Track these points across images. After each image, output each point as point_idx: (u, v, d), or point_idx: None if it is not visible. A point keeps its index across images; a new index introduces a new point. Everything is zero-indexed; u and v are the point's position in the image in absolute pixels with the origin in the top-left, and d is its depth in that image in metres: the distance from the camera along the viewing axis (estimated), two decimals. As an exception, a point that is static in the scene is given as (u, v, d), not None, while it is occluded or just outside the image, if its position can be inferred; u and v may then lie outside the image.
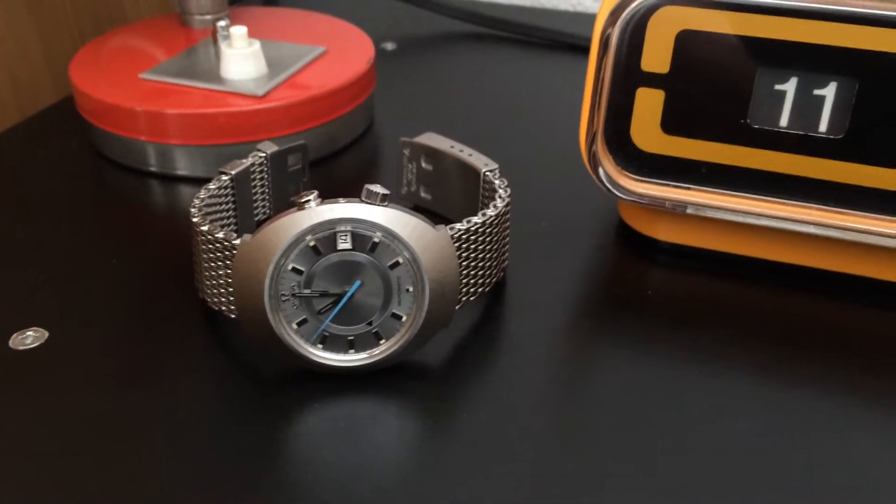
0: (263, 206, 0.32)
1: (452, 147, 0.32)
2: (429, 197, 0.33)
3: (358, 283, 0.24)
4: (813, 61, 0.26)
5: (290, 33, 0.41)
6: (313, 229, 0.23)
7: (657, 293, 0.29)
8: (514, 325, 0.28)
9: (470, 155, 0.31)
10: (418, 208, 0.34)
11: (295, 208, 0.24)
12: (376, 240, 0.24)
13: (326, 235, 0.24)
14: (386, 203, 0.24)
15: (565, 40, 0.49)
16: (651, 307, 0.29)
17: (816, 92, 0.26)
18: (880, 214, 0.27)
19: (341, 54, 0.39)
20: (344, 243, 0.24)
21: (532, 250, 0.31)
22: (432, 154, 0.32)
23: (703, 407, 0.25)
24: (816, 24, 0.25)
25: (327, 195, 0.35)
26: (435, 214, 0.33)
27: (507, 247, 0.30)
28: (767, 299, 0.29)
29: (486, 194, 0.30)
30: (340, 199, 0.24)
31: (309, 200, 0.24)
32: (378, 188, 0.24)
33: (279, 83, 0.36)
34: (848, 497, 0.22)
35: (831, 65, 0.26)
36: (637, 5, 0.26)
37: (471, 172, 0.30)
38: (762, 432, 0.24)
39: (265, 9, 0.45)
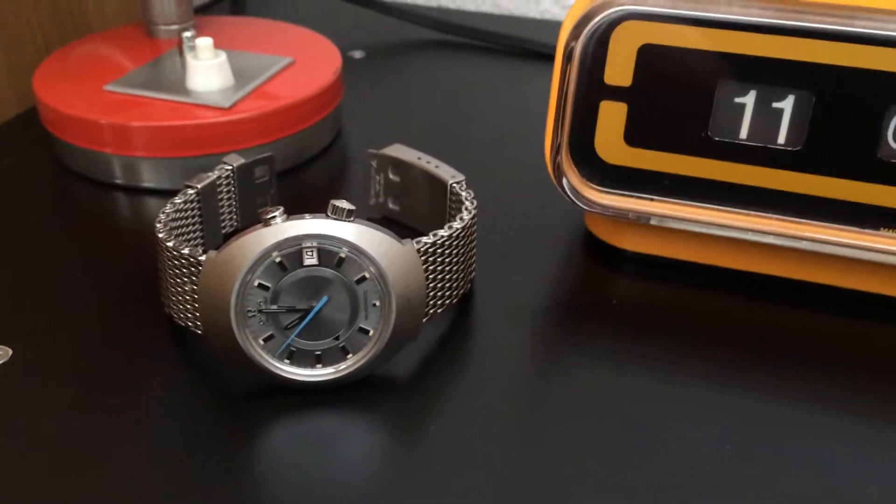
0: (230, 219, 0.32)
1: (419, 158, 0.32)
2: (397, 208, 0.33)
3: (325, 298, 0.24)
4: (771, 75, 0.26)
5: (257, 43, 0.41)
6: (279, 245, 0.24)
7: (623, 302, 0.30)
8: (482, 335, 0.28)
9: (437, 167, 0.31)
10: (387, 219, 0.34)
11: (260, 224, 0.24)
12: (342, 255, 0.24)
13: (292, 251, 0.24)
14: (352, 218, 0.24)
15: (533, 48, 0.50)
16: (617, 316, 0.29)
17: (775, 105, 0.27)
18: (838, 224, 0.27)
19: (308, 64, 0.39)
20: (310, 259, 0.24)
21: (500, 260, 0.32)
22: (399, 166, 0.32)
23: (669, 415, 0.25)
24: (774, 39, 0.26)
25: (295, 206, 0.35)
26: (403, 226, 0.33)
27: (475, 258, 0.30)
28: (731, 307, 0.29)
29: (454, 206, 0.30)
30: (306, 215, 0.24)
31: (274, 216, 0.24)
32: (344, 203, 0.24)
33: (246, 94, 0.36)
34: (806, 501, 0.23)
35: (789, 78, 0.26)
36: (600, 20, 0.27)
37: (438, 184, 0.31)
38: (726, 438, 0.24)
39: (232, 18, 0.45)
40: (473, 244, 0.29)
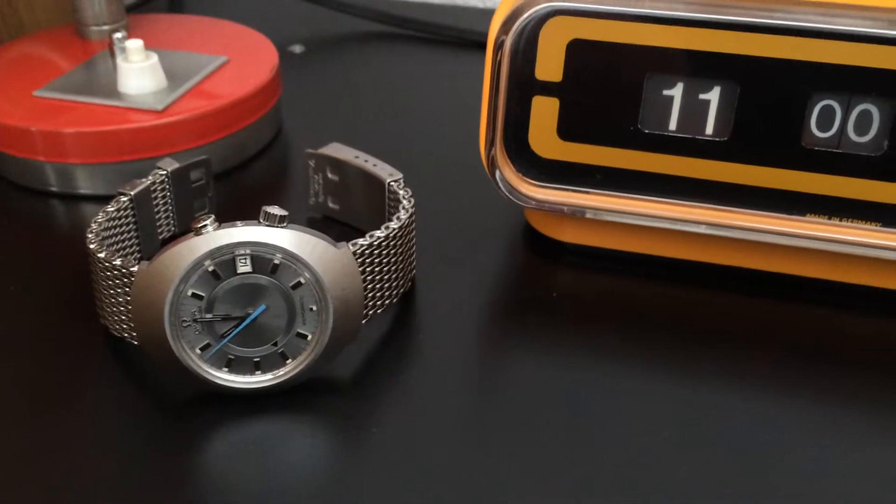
0: (168, 224, 0.31)
1: (357, 157, 0.32)
2: (337, 207, 0.33)
3: (263, 307, 0.24)
4: (697, 67, 0.27)
5: (191, 42, 0.40)
6: (212, 254, 0.23)
7: (564, 294, 0.30)
8: (424, 333, 0.29)
9: (374, 165, 0.31)
10: (328, 218, 0.34)
11: (192, 233, 0.24)
12: (276, 261, 0.24)
13: (225, 259, 0.24)
14: (285, 224, 0.24)
15: (475, 38, 0.50)
16: (558, 309, 0.29)
17: (702, 96, 0.27)
18: (766, 212, 0.28)
19: (244, 63, 0.39)
20: (244, 266, 0.24)
21: (441, 256, 0.32)
22: (337, 165, 0.32)
23: (612, 406, 0.25)
24: (699, 32, 0.26)
25: (235, 208, 0.35)
26: (344, 224, 0.33)
27: (415, 255, 0.30)
28: (671, 295, 0.30)
29: (392, 204, 0.30)
30: (238, 223, 0.24)
31: (206, 225, 0.23)
32: (276, 210, 0.24)
33: (180, 96, 0.35)
34: (753, 490, 0.23)
35: (714, 70, 0.27)
36: (528, 16, 0.27)
37: (376, 183, 0.31)
38: (669, 427, 0.25)
39: (166, 16, 0.45)
40: (413, 242, 0.29)
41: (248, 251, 0.24)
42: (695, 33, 0.26)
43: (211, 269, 0.24)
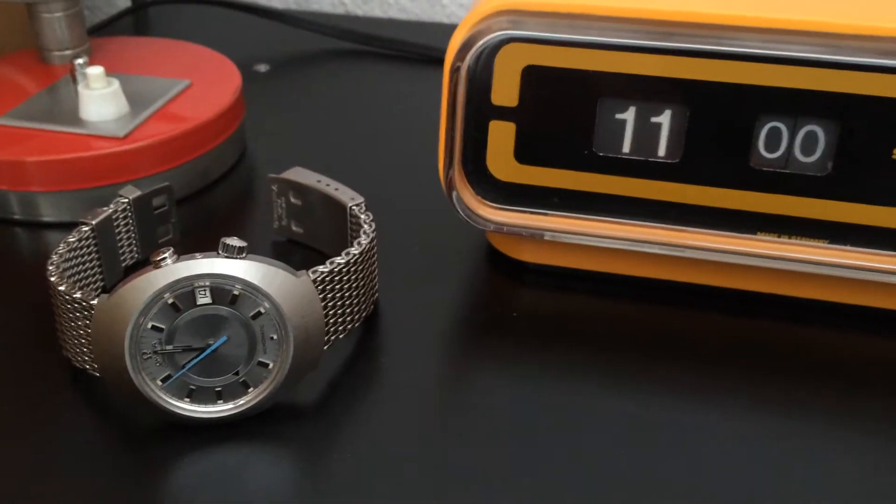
0: (131, 252, 0.32)
1: (319, 182, 0.32)
2: (301, 231, 0.34)
3: (224, 338, 0.24)
4: (648, 91, 0.27)
5: (154, 65, 0.40)
6: (171, 287, 0.24)
7: (525, 314, 0.31)
8: (387, 356, 0.29)
9: (336, 189, 0.31)
10: (292, 242, 0.34)
11: (151, 266, 0.24)
12: (236, 292, 0.24)
13: (185, 292, 0.24)
14: (244, 255, 0.24)
15: (438, 55, 0.50)
16: (519, 328, 0.30)
17: (653, 119, 0.28)
18: (718, 231, 0.28)
19: (207, 86, 0.39)
20: (203, 298, 0.24)
21: (404, 278, 0.32)
22: (300, 189, 0.32)
23: (571, 425, 0.26)
24: (648, 58, 0.27)
25: (200, 232, 0.35)
26: (309, 248, 0.33)
27: (377, 279, 0.30)
28: (629, 313, 0.30)
29: (354, 228, 0.30)
30: (197, 255, 0.24)
31: (165, 258, 0.24)
32: (235, 241, 0.24)
33: (142, 122, 0.36)
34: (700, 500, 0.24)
35: (664, 94, 0.27)
36: (483, 43, 0.27)
37: (338, 207, 0.31)
38: (626, 445, 0.25)
39: (129, 39, 0.45)
40: (374, 266, 0.30)
41: (207, 283, 0.24)
42: (645, 59, 0.27)
43: (170, 301, 0.24)
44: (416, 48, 0.51)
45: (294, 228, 0.34)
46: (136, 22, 0.57)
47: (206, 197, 0.37)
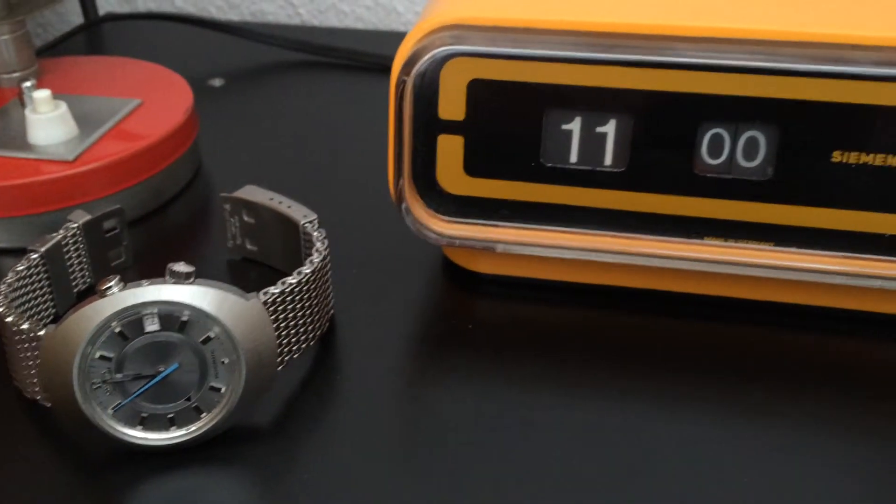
0: (83, 277, 0.31)
1: (272, 199, 0.32)
2: (256, 249, 0.33)
3: (175, 365, 0.24)
4: (592, 102, 0.28)
5: (104, 85, 0.40)
6: (118, 315, 0.23)
7: (482, 325, 0.31)
8: (344, 373, 0.29)
9: (289, 207, 0.31)
10: (247, 260, 0.34)
11: (97, 295, 0.24)
12: (185, 318, 0.24)
13: (132, 320, 0.24)
14: (191, 280, 0.24)
15: (394, 64, 0.50)
16: (476, 339, 0.30)
17: (599, 129, 0.28)
18: (666, 237, 0.29)
19: (158, 105, 0.39)
20: (152, 325, 0.24)
21: (360, 293, 0.32)
22: (252, 208, 0.32)
23: (528, 436, 0.26)
24: (591, 69, 0.27)
25: (154, 253, 0.35)
26: (264, 265, 0.33)
27: (332, 296, 0.30)
28: (586, 321, 0.31)
29: (308, 245, 0.30)
30: (144, 282, 0.24)
31: (111, 287, 0.24)
32: (182, 267, 0.24)
33: (92, 144, 0.35)
34: (649, 509, 0.24)
35: (609, 104, 0.28)
36: (427, 58, 0.27)
37: (291, 225, 0.31)
38: (588, 455, 0.25)
39: (79, 59, 0.44)
40: (328, 283, 0.30)
41: (155, 310, 0.24)
42: (588, 70, 0.27)
43: (118, 330, 0.24)
44: (372, 58, 0.51)
45: (249, 247, 0.34)
46: (89, 39, 0.56)
47: (160, 217, 0.37)
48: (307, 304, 0.27)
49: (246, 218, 0.33)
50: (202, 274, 0.33)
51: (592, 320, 0.31)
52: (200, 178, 0.40)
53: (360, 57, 0.51)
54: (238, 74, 0.51)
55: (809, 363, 0.28)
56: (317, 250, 0.29)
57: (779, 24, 0.26)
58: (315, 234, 0.29)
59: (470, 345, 0.30)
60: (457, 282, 0.33)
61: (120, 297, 0.24)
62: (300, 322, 0.27)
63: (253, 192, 0.32)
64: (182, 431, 0.25)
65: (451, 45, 0.27)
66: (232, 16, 0.62)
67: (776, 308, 0.30)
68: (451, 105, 0.28)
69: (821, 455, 0.25)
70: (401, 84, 0.28)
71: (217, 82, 0.49)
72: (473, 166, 0.29)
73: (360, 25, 0.60)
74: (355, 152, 0.42)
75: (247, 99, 0.48)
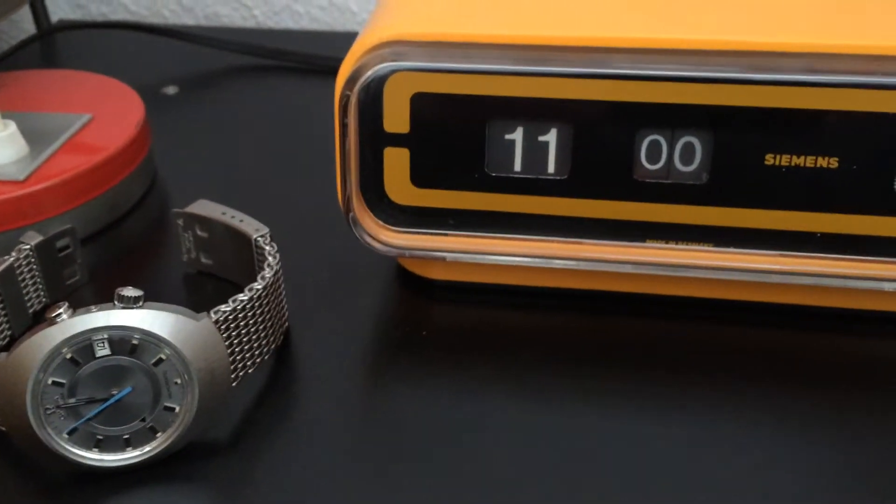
0: (38, 298, 0.31)
1: (224, 214, 0.32)
2: (211, 262, 0.34)
3: (128, 389, 0.25)
4: (533, 112, 0.28)
5: (55, 100, 0.40)
6: (68, 342, 0.24)
7: (437, 332, 0.31)
8: (299, 386, 0.29)
9: (241, 221, 0.32)
10: (203, 273, 0.34)
11: (46, 323, 0.24)
12: (135, 342, 0.24)
13: (83, 346, 0.24)
14: (140, 304, 0.24)
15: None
16: (432, 347, 0.31)
17: (541, 138, 0.29)
18: (610, 241, 0.30)
19: (109, 118, 0.39)
20: (102, 350, 0.24)
21: (315, 303, 0.33)
22: (205, 223, 0.33)
23: (486, 439, 0.27)
24: (531, 80, 0.28)
25: (110, 269, 0.35)
26: (220, 279, 0.34)
27: (286, 309, 0.31)
28: (539, 324, 0.31)
29: (260, 259, 0.31)
30: (93, 307, 0.24)
31: (60, 313, 0.24)
32: (130, 291, 0.24)
33: (42, 162, 0.35)
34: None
35: (549, 114, 0.28)
36: (369, 74, 0.28)
37: (243, 238, 0.31)
38: (546, 457, 0.26)
39: (29, 73, 0.44)
40: (282, 297, 0.30)
41: (105, 335, 0.24)
42: (527, 82, 0.28)
43: (69, 356, 0.24)
44: (326, 61, 0.51)
45: (204, 260, 0.34)
46: (42, 49, 0.56)
47: (115, 232, 0.37)
48: (260, 320, 0.28)
49: (199, 232, 0.33)
50: (158, 288, 0.34)
51: (546, 323, 0.31)
52: (155, 190, 0.40)
53: (314, 60, 0.51)
54: (192, 81, 0.51)
55: (760, 359, 0.29)
56: (268, 265, 0.29)
57: (709, 34, 0.27)
58: (267, 248, 0.30)
59: (426, 352, 0.30)
60: (411, 289, 0.34)
61: (69, 323, 0.24)
62: (253, 338, 0.28)
63: (205, 207, 0.33)
64: (138, 452, 0.25)
65: (392, 60, 0.28)
66: (186, 19, 0.62)
67: (723, 305, 0.31)
68: (396, 118, 0.29)
69: (783, 446, 0.26)
70: (344, 98, 0.28)
71: (171, 90, 0.49)
72: (420, 178, 0.30)
73: (315, 26, 0.60)
74: (311, 158, 0.42)
75: (201, 106, 0.48)
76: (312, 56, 0.51)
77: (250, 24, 0.61)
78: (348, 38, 0.55)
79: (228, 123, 0.46)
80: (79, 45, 0.56)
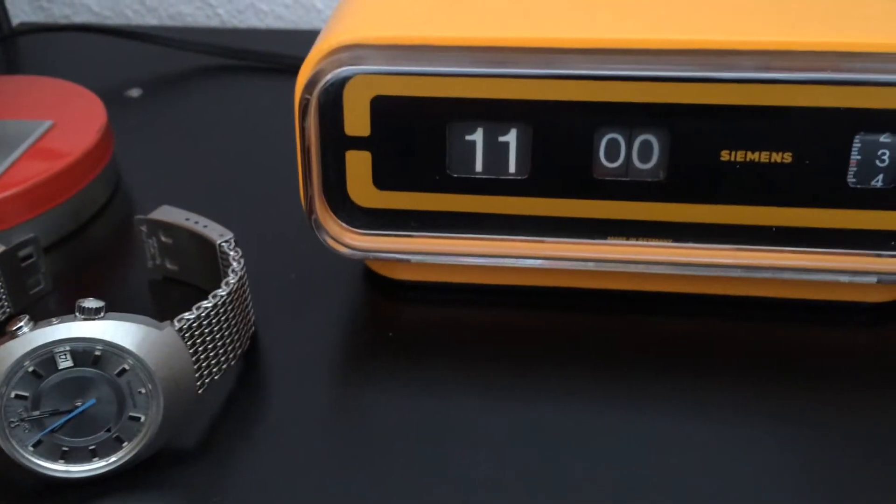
0: (1, 309, 0.31)
1: (188, 220, 0.32)
2: (176, 268, 0.34)
3: (92, 400, 0.25)
4: (493, 113, 0.28)
5: (15, 106, 0.40)
6: (29, 355, 0.24)
7: (405, 331, 0.31)
8: (267, 390, 0.29)
9: (205, 226, 0.32)
10: (168, 279, 0.34)
11: (7, 336, 0.24)
12: (97, 353, 0.24)
13: (45, 358, 0.24)
14: (101, 315, 0.24)
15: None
16: (400, 347, 0.31)
17: (501, 139, 0.29)
18: (571, 239, 0.30)
19: (71, 124, 0.38)
20: (65, 362, 0.24)
21: (283, 307, 0.33)
22: (169, 229, 0.33)
23: (456, 438, 0.27)
24: (489, 81, 0.28)
25: (74, 276, 0.35)
26: (186, 284, 0.34)
27: (252, 313, 0.31)
28: (510, 321, 0.32)
29: (225, 265, 0.31)
30: (54, 320, 0.24)
31: (21, 327, 0.24)
32: (91, 302, 0.24)
33: (3, 171, 0.35)
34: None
35: (508, 115, 0.28)
36: (328, 79, 0.28)
37: (207, 244, 0.31)
38: (516, 454, 0.26)
39: (-12, 78, 0.44)
40: (248, 301, 0.30)
41: (67, 347, 0.24)
42: (486, 83, 0.28)
43: (31, 369, 0.24)
44: (291, 59, 0.51)
45: (169, 266, 0.34)
46: (4, 53, 0.55)
47: (79, 239, 0.37)
48: (225, 326, 0.28)
49: (163, 238, 0.33)
50: (124, 295, 0.34)
51: (512, 320, 0.32)
52: (119, 195, 0.40)
53: (279, 59, 0.51)
54: (156, 83, 0.50)
55: (720, 349, 0.30)
56: (233, 271, 0.29)
57: (664, 34, 0.27)
58: (231, 253, 0.30)
59: (393, 352, 0.31)
60: (378, 290, 0.34)
61: (30, 336, 0.24)
62: (219, 344, 0.28)
63: (168, 213, 0.33)
64: (104, 462, 0.25)
65: (350, 64, 0.28)
66: (150, 19, 0.61)
67: (683, 299, 0.32)
68: (357, 121, 0.29)
69: (746, 440, 0.27)
70: (304, 102, 0.28)
71: (135, 92, 0.49)
72: (382, 180, 0.30)
73: (280, 24, 0.60)
74: (277, 159, 0.42)
75: (165, 109, 0.48)
76: (277, 55, 0.51)
77: (214, 22, 0.61)
78: (313, 36, 0.55)
79: (193, 125, 0.46)
80: (40, 48, 0.56)
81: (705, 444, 0.27)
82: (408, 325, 0.32)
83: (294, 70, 0.50)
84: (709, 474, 0.26)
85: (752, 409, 0.28)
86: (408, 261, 0.30)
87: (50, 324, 0.24)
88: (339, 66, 0.28)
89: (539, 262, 0.30)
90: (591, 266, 0.30)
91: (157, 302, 0.34)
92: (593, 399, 0.28)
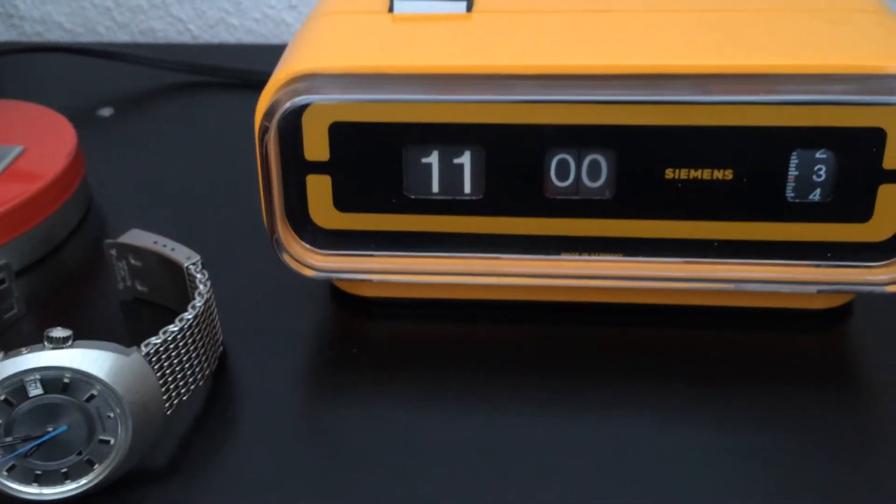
0: (-26, 334, 0.32)
1: (155, 243, 0.33)
2: (146, 290, 0.35)
3: (64, 427, 0.25)
4: (447, 136, 0.30)
5: (-14, 131, 0.40)
6: (1, 384, 0.25)
7: (373, 347, 0.32)
8: (235, 409, 0.30)
9: (173, 249, 0.33)
10: (139, 300, 0.35)
11: (-22, 367, 0.25)
12: (66, 380, 0.25)
13: (15, 387, 0.25)
14: (69, 343, 0.25)
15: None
16: (368, 363, 0.31)
17: (455, 161, 0.30)
18: (527, 255, 0.31)
19: (41, 149, 0.39)
20: (35, 390, 0.25)
21: (250, 326, 0.34)
22: (137, 252, 0.33)
23: (431, 455, 0.28)
24: (442, 106, 0.29)
25: (48, 300, 0.36)
26: (157, 305, 0.35)
27: (220, 334, 0.32)
28: (472, 336, 0.32)
29: (193, 287, 0.32)
30: (24, 350, 0.25)
31: (-9, 357, 0.25)
32: (59, 332, 0.25)
33: (-26, 198, 0.36)
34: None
35: (462, 138, 0.30)
36: (286, 108, 0.29)
37: (175, 267, 0.32)
38: (486, 467, 0.27)
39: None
40: (215, 323, 0.31)
41: (37, 376, 0.25)
42: (439, 108, 0.29)
43: (2, 397, 0.25)
44: (262, 76, 0.51)
45: (139, 288, 0.35)
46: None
47: (52, 262, 0.38)
48: (192, 349, 0.29)
49: (133, 261, 0.34)
50: (96, 316, 0.35)
51: (477, 334, 0.32)
52: (91, 217, 0.41)
53: (249, 75, 0.52)
54: (128, 102, 0.51)
55: (668, 357, 0.31)
56: (199, 293, 0.30)
57: (609, 59, 0.28)
58: (198, 276, 0.31)
59: (361, 368, 0.31)
60: (345, 307, 0.35)
61: (1, 366, 0.25)
62: (186, 366, 0.29)
63: (137, 237, 0.34)
64: (76, 484, 0.26)
65: (307, 93, 0.29)
66: (121, 35, 0.62)
67: (636, 309, 0.33)
68: (316, 147, 0.30)
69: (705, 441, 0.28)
70: (263, 129, 0.29)
71: (106, 112, 0.50)
72: (343, 202, 0.31)
73: (250, 38, 0.61)
74: (248, 177, 0.43)
75: (136, 128, 0.48)
76: (247, 71, 0.52)
77: (185, 38, 0.61)
78: (283, 51, 0.56)
79: (165, 144, 0.47)
80: (12, 70, 0.56)
81: (658, 450, 0.28)
82: (375, 340, 0.33)
83: (264, 86, 0.52)
84: (659, 480, 0.27)
85: (701, 411, 0.29)
86: (370, 280, 0.32)
87: (20, 353, 0.25)
88: (297, 95, 0.29)
89: (495, 279, 0.31)
90: (545, 282, 0.31)
91: (128, 323, 0.34)
92: (563, 410, 0.29)
